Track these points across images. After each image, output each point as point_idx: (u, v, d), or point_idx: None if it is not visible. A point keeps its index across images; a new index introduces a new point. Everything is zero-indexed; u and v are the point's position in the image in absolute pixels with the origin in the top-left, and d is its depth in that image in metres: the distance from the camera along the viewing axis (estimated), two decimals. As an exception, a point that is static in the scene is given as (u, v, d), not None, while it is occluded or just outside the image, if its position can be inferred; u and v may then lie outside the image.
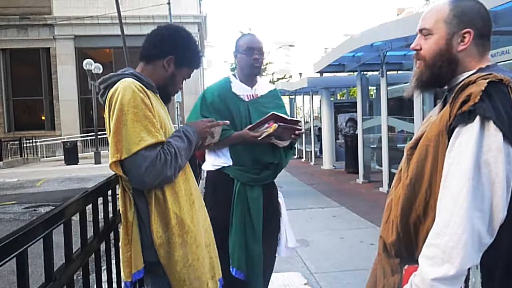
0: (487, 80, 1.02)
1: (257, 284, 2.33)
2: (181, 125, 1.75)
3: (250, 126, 2.28)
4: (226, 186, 2.31)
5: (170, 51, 1.67)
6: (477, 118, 1.00)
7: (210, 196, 2.37)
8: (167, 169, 1.50)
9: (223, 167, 2.33)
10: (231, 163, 2.32)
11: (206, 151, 2.39)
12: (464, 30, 1.14)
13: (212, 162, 2.37)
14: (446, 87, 1.22)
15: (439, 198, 1.05)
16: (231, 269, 2.25)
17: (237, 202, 2.29)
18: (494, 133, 0.99)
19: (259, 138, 2.24)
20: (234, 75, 2.48)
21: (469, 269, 1.00)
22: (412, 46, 1.24)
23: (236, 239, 2.27)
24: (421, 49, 1.21)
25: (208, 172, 2.43)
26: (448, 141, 1.05)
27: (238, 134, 2.29)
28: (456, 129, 1.04)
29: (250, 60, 2.38)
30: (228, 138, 2.25)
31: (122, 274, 1.57)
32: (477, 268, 1.03)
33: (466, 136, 1.01)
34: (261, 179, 2.34)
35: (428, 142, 1.11)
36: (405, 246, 1.17)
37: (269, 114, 2.26)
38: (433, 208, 1.08)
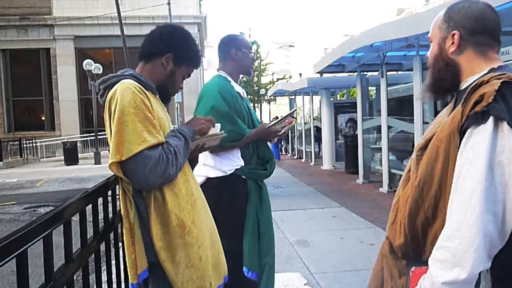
0: (501, 80, 1.01)
1: (268, 282, 2.35)
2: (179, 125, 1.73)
3: (273, 122, 2.38)
4: (241, 188, 2.33)
5: (169, 48, 1.67)
6: (491, 118, 0.99)
7: (228, 202, 2.30)
8: (170, 168, 1.50)
9: (236, 169, 2.33)
10: (242, 164, 2.34)
11: (213, 156, 2.34)
12: (452, 33, 1.18)
13: (226, 166, 2.32)
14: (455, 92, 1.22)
15: (450, 199, 1.03)
16: (244, 270, 2.26)
17: (252, 200, 2.33)
18: (508, 134, 0.97)
19: (279, 133, 2.38)
20: (221, 75, 2.45)
21: (480, 272, 0.98)
22: (426, 55, 1.30)
23: (251, 238, 2.29)
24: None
25: (214, 179, 2.32)
26: (460, 142, 1.04)
27: (256, 131, 2.35)
28: (469, 130, 1.02)
29: (252, 60, 2.46)
30: (247, 137, 2.31)
31: (129, 276, 1.56)
32: (487, 272, 1.01)
33: (479, 137, 1.00)
34: (269, 174, 2.44)
35: (439, 143, 1.10)
36: (412, 248, 1.16)
37: (293, 110, 2.42)
38: (443, 210, 1.06)
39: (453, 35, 1.17)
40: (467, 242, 0.96)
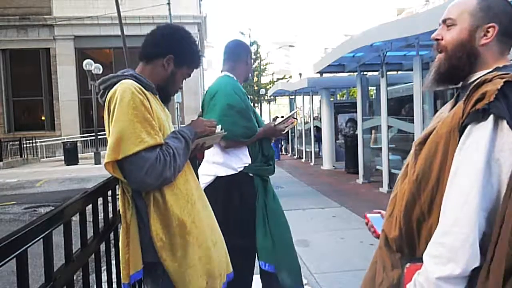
0: (504, 80, 1.01)
1: (288, 274, 2.36)
2: (181, 125, 1.76)
3: (278, 121, 2.54)
4: (250, 185, 2.39)
5: (170, 50, 1.67)
6: (491, 117, 0.99)
7: (239, 200, 2.35)
8: (167, 170, 1.50)
9: (245, 167, 2.39)
10: (250, 162, 2.40)
11: (223, 154, 2.38)
12: (489, 24, 1.13)
13: (235, 164, 2.37)
14: (460, 84, 1.20)
15: (445, 195, 1.04)
16: (261, 263, 2.31)
17: (260, 197, 2.39)
18: (507, 133, 0.98)
19: (283, 132, 2.54)
20: (229, 75, 2.55)
21: (473, 269, 0.99)
22: (433, 35, 1.22)
23: (262, 233, 2.34)
24: (442, 39, 1.19)
25: (224, 178, 2.37)
26: (459, 138, 1.04)
27: (264, 130, 2.46)
28: (468, 127, 1.02)
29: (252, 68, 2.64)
30: (257, 134, 2.40)
31: (121, 275, 1.57)
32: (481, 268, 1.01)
33: (479, 134, 1.00)
34: (273, 170, 2.53)
35: (438, 138, 1.10)
36: (407, 242, 1.16)
37: (294, 111, 2.61)
38: (439, 205, 1.06)
39: (490, 27, 1.13)
40: (463, 238, 0.97)
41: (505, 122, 0.98)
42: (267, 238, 2.34)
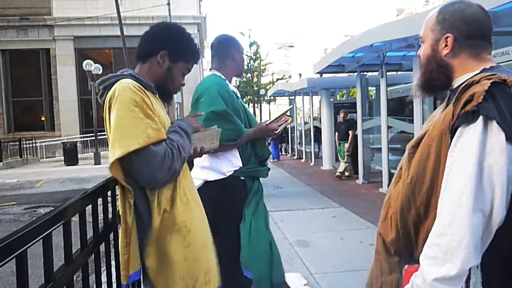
0: (491, 81, 1.03)
1: (260, 281, 2.24)
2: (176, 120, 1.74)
3: (270, 121, 2.42)
4: (241, 190, 2.29)
5: (163, 46, 1.67)
6: (480, 118, 1.00)
7: (230, 206, 2.25)
8: (175, 162, 1.50)
9: (235, 171, 2.29)
10: (241, 165, 2.30)
11: (211, 158, 2.28)
12: (445, 35, 1.18)
13: (225, 168, 2.27)
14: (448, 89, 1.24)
15: (440, 197, 1.05)
16: (243, 270, 2.21)
17: (254, 199, 2.32)
18: (497, 134, 0.99)
19: (276, 131, 2.40)
20: (216, 74, 2.42)
21: (470, 269, 1.00)
22: (417, 53, 1.31)
23: (245, 237, 2.25)
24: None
25: (213, 182, 2.26)
26: (451, 140, 1.05)
27: (254, 130, 2.35)
28: (459, 129, 1.04)
29: (244, 62, 2.49)
30: (245, 136, 2.29)
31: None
32: (477, 268, 1.03)
33: (469, 136, 1.01)
34: (267, 170, 2.45)
35: (430, 141, 1.11)
36: (405, 245, 1.17)
37: (287, 109, 2.49)
38: (434, 207, 1.07)
39: (447, 37, 1.18)
40: (458, 239, 0.98)
41: (494, 122, 0.99)
42: (249, 244, 2.24)
